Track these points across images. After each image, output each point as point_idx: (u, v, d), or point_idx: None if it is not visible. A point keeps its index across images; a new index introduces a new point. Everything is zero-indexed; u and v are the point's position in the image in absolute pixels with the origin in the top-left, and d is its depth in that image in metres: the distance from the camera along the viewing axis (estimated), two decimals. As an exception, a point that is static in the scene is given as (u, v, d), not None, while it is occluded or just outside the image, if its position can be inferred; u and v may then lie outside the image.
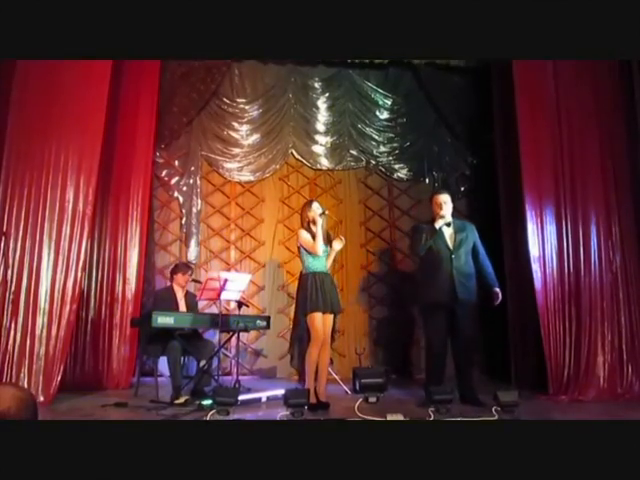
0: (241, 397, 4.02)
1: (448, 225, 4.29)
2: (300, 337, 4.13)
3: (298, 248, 4.24)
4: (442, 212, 4.27)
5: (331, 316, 4.11)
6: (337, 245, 4.17)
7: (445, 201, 4.31)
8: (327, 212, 4.29)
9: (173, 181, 6.23)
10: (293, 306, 5.47)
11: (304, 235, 4.13)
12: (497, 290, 4.28)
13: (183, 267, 5.02)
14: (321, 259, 4.11)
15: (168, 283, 5.20)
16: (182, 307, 4.80)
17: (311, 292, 3.99)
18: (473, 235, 4.39)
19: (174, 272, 4.91)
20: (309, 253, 4.10)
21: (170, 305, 4.70)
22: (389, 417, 3.15)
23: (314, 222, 4.12)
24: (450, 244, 4.26)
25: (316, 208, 4.17)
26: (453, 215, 4.41)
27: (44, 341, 4.21)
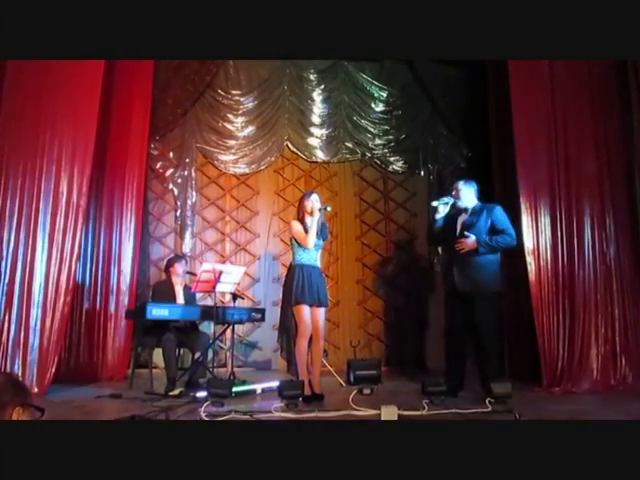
0: (235, 389, 4.04)
1: (466, 212, 4.21)
2: (287, 328, 4.11)
3: (290, 239, 4.21)
4: (445, 197, 4.29)
5: (321, 309, 4.06)
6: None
7: (458, 188, 4.27)
8: (329, 208, 4.22)
9: (168, 173, 6.20)
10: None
11: (296, 227, 4.09)
12: (465, 238, 4.05)
13: (176, 258, 5.03)
14: (311, 252, 4.07)
15: (163, 276, 5.19)
16: (180, 299, 4.79)
17: (297, 284, 3.95)
18: (489, 217, 4.09)
19: (169, 265, 4.90)
20: (300, 245, 4.06)
21: (168, 298, 4.69)
22: (383, 409, 3.15)
23: (311, 213, 4.06)
24: (458, 232, 4.17)
25: (315, 200, 4.10)
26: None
27: (38, 333, 4.21)
